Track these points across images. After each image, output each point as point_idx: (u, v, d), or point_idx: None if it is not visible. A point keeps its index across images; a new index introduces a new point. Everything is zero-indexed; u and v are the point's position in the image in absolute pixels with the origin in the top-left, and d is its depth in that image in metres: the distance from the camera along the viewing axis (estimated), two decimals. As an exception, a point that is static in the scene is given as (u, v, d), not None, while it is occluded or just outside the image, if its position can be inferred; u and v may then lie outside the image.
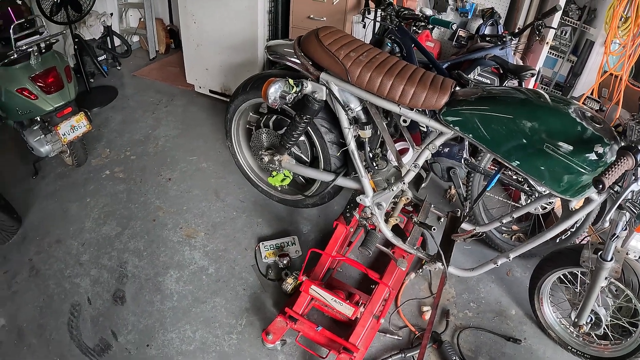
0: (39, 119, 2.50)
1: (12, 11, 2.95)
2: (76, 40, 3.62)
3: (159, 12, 4.60)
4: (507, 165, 1.48)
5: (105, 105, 3.46)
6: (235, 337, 1.93)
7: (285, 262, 2.19)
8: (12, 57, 2.31)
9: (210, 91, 3.58)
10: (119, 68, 4.12)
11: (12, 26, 2.26)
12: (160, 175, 2.75)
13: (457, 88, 1.61)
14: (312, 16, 2.82)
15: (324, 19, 2.84)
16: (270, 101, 1.70)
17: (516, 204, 2.39)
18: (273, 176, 2.25)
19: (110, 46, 4.17)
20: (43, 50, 2.40)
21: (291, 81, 1.70)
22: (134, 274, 2.17)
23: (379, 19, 2.56)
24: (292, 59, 1.97)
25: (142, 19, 4.71)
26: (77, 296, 2.08)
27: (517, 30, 2.66)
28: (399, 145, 1.92)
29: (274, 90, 1.67)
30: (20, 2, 3.12)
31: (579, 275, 1.74)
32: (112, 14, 4.43)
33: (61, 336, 1.94)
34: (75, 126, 2.50)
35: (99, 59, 3.92)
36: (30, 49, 2.31)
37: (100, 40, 4.11)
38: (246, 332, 1.94)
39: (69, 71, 2.52)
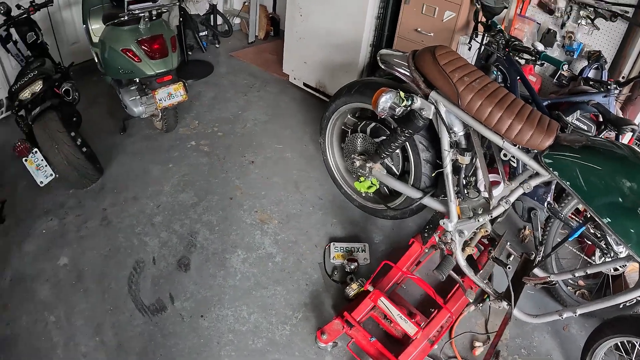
0: (137, 80, 3.02)
1: None
2: (181, 13, 4.27)
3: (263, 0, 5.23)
4: (596, 219, 1.59)
5: (199, 79, 4.00)
6: (289, 328, 2.12)
7: (352, 267, 2.40)
8: (122, 19, 2.82)
9: (304, 84, 3.97)
10: (217, 46, 4.75)
11: None
12: (244, 156, 3.12)
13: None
14: (419, 29, 3.08)
15: (432, 34, 3.06)
16: (379, 110, 1.95)
17: (589, 259, 2.48)
18: (360, 181, 2.49)
19: (212, 24, 4.85)
20: (153, 18, 2.90)
21: (402, 94, 1.92)
22: (202, 245, 2.48)
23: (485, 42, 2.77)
24: (401, 71, 2.21)
25: (246, 3, 5.37)
26: (143, 254, 2.43)
27: (622, 79, 2.76)
28: (490, 177, 2.08)
29: (385, 100, 1.91)
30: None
31: (637, 346, 1.78)
32: (219, -6, 5.15)
33: (119, 288, 2.27)
34: (172, 94, 2.97)
35: (200, 34, 4.56)
36: (142, 14, 2.79)
37: (204, 17, 4.78)
38: (300, 326, 2.13)
39: (174, 41, 3.01)
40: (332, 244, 2.52)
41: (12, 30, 3.34)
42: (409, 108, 1.98)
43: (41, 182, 2.63)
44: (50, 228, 2.68)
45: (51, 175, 2.64)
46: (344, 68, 3.50)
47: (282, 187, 2.90)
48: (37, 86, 2.63)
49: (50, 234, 2.64)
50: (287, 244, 2.54)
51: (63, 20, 4.19)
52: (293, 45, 3.88)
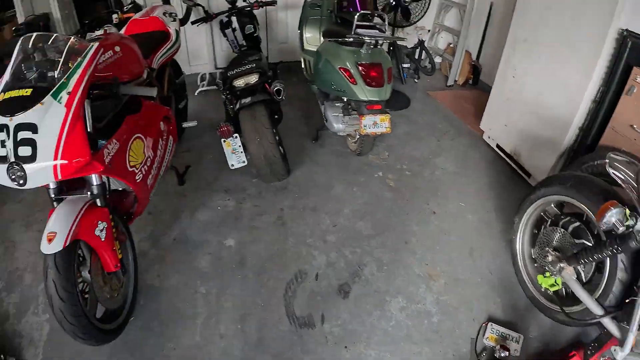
0: (344, 99, 3.41)
1: (358, 1, 4.10)
2: (390, 42, 4.69)
3: (469, 45, 5.40)
4: None
5: (396, 110, 4.34)
6: (422, 390, 2.16)
7: (503, 355, 2.37)
8: (348, 39, 3.21)
9: (498, 146, 4.01)
10: (416, 81, 5.08)
11: (357, 15, 3.14)
12: (427, 204, 3.29)
13: None
14: (635, 127, 2.95)
15: (649, 137, 2.93)
16: (602, 222, 2.00)
17: None
18: (545, 276, 2.51)
19: (417, 58, 5.21)
20: (377, 46, 3.20)
21: (628, 212, 1.94)
22: (367, 279, 2.65)
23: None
24: (623, 179, 2.23)
25: (451, 45, 5.63)
26: (308, 266, 2.68)
27: None
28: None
29: (611, 215, 1.94)
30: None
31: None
32: (429, 31, 5.50)
33: (276, 288, 2.54)
34: (377, 123, 3.24)
35: (403, 65, 4.92)
36: (368, 41, 3.12)
37: (410, 50, 5.16)
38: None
39: (390, 73, 3.29)
40: (490, 323, 2.53)
41: (234, 19, 4.04)
42: (630, 229, 2.01)
43: (232, 165, 3.09)
44: (225, 207, 3.13)
45: (243, 162, 3.09)
46: (545, 144, 3.49)
47: (457, 247, 2.99)
48: (253, 79, 3.12)
49: (224, 212, 3.09)
50: (447, 307, 2.61)
51: (278, 19, 4.90)
52: (497, 104, 3.97)
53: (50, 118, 1.85)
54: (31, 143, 1.83)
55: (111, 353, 2.31)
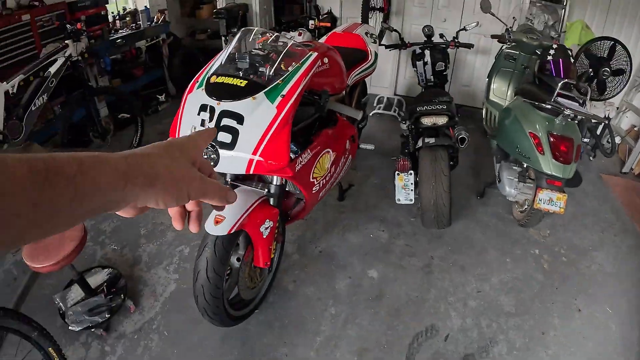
0: (525, 166, 3.24)
1: (562, 65, 3.85)
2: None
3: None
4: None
5: (566, 186, 4.06)
6: None
7: None
8: (545, 105, 3.04)
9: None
10: (591, 159, 4.67)
11: (560, 82, 2.93)
12: (575, 298, 3.01)
13: None
14: None
15: None
16: None
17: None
18: None
19: (598, 134, 4.82)
20: (575, 120, 3.00)
21: None
22: (494, 357, 2.51)
23: None
24: None
25: (635, 128, 5.13)
26: (441, 323, 2.59)
27: None
28: None
29: None
30: (572, 59, 4.05)
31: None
32: (617, 108, 5.06)
33: (403, 336, 2.49)
34: (553, 201, 3.02)
35: (583, 140, 4.59)
36: (567, 113, 2.88)
37: (594, 125, 4.79)
38: None
39: (579, 152, 3.05)
40: None
41: (427, 53, 4.01)
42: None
43: (398, 200, 3.08)
44: (378, 237, 3.15)
45: (410, 200, 3.07)
46: None
47: (594, 355, 2.73)
48: (441, 120, 3.08)
49: (375, 242, 3.11)
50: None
51: (466, 61, 4.80)
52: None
53: (260, 115, 1.91)
54: (233, 132, 1.89)
55: (225, 335, 2.43)
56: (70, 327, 2.39)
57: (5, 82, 3.17)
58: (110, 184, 0.48)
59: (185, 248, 3.10)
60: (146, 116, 4.99)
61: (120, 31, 4.67)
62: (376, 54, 3.55)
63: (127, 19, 4.83)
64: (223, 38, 4.87)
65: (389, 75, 5.10)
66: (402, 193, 3.09)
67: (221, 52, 2.28)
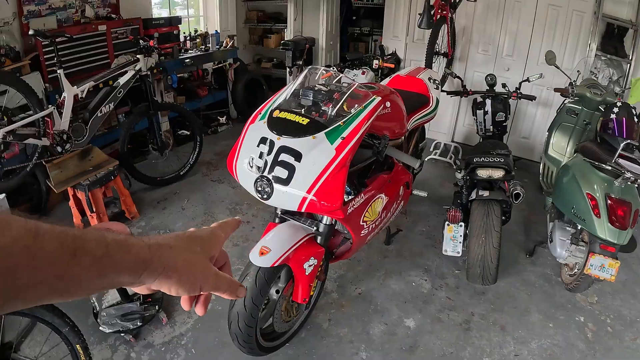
0: (579, 228, 2.92)
1: (625, 124, 3.50)
2: None
3: None
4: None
5: (619, 251, 3.68)
6: None
7: None
8: (606, 166, 2.74)
9: None
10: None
11: (623, 143, 2.67)
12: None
13: None
14: None
15: None
16: None
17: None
18: None
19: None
20: (636, 184, 2.66)
21: None
22: None
23: None
24: None
25: None
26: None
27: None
28: None
29: None
30: (635, 119, 3.70)
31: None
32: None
33: None
34: (604, 267, 2.67)
35: None
36: (629, 175, 2.54)
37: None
38: None
39: (637, 217, 2.72)
40: None
41: (488, 102, 3.78)
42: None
43: (445, 251, 2.85)
44: (420, 285, 2.92)
45: (457, 253, 2.83)
46: None
47: None
48: (498, 174, 2.83)
49: (416, 290, 2.88)
50: None
51: (526, 113, 4.52)
52: None
53: (318, 154, 1.82)
54: (289, 168, 1.82)
55: (249, 361, 2.27)
56: (100, 328, 2.36)
57: (76, 87, 3.21)
58: (130, 270, 0.50)
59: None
60: (205, 136, 4.98)
61: (189, 51, 4.73)
62: (437, 101, 3.37)
63: (198, 40, 4.90)
64: (288, 69, 4.83)
65: (448, 122, 4.87)
66: (450, 244, 2.86)
67: (286, 87, 2.22)
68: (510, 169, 2.87)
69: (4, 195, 3.02)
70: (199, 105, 4.90)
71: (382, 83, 3.42)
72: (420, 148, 3.60)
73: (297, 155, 1.82)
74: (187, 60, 4.42)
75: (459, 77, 4.00)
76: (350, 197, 2.09)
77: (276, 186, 1.83)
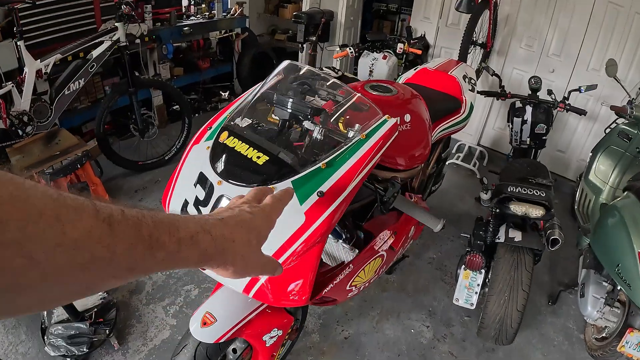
0: (612, 290, 2.29)
1: None
2: None
3: None
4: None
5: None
6: None
7: None
8: None
9: None
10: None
11: None
12: None
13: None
14: None
15: None
16: None
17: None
18: None
19: None
20: None
21: None
22: None
23: None
24: None
25: None
26: None
27: None
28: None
29: None
30: None
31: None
32: None
33: None
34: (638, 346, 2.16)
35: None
36: None
37: None
38: None
39: None
40: None
41: (529, 110, 3.07)
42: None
43: (456, 300, 2.26)
44: (420, 333, 2.39)
45: (471, 305, 2.24)
46: None
47: None
48: (536, 212, 2.19)
49: (414, 339, 2.34)
50: None
51: (566, 124, 3.79)
52: None
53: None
54: None
55: None
56: (45, 348, 2.03)
57: (39, 60, 2.63)
58: (194, 264, 0.51)
59: (194, 289, 2.50)
60: (204, 112, 4.37)
61: (191, 17, 4.04)
62: (472, 106, 2.64)
63: (203, 6, 4.18)
64: (300, 45, 4.12)
65: (476, 122, 4.08)
66: (462, 292, 2.26)
67: (255, 88, 1.50)
68: (551, 206, 2.21)
69: None
70: (199, 79, 4.25)
71: (404, 76, 2.73)
72: (443, 157, 2.88)
73: None
74: (186, 28, 3.74)
75: (497, 75, 3.28)
76: (328, 267, 1.45)
77: None
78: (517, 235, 2.18)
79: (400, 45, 3.41)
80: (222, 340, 1.35)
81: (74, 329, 2.06)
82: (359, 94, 1.41)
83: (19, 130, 2.66)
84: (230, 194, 1.18)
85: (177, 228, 0.47)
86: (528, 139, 3.19)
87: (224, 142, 1.29)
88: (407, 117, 1.72)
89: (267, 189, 0.69)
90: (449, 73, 2.67)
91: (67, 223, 0.36)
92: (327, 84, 1.44)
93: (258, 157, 1.21)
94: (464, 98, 2.58)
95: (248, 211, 0.60)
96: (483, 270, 2.21)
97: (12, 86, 2.59)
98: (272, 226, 0.64)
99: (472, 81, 2.80)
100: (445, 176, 3.72)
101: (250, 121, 1.38)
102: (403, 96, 1.86)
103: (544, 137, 3.16)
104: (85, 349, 2.03)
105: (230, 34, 4.32)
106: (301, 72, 1.46)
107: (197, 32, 3.96)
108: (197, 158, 1.32)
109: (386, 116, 1.33)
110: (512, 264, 2.12)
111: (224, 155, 1.27)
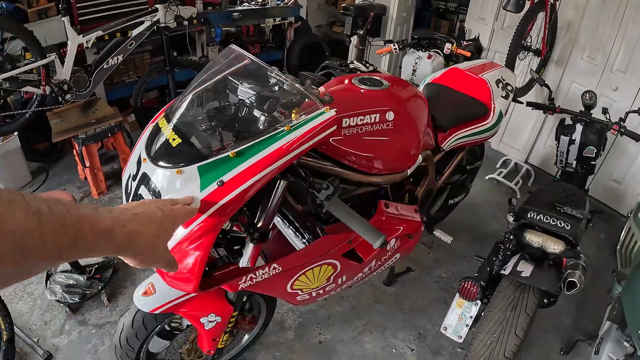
0: (632, 354, 1.85)
1: None
2: None
3: None
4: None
5: None
6: None
7: None
8: None
9: None
10: None
11: None
12: None
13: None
14: None
15: None
16: None
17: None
18: None
19: None
20: None
21: None
22: None
23: None
24: None
25: None
26: None
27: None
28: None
29: None
30: None
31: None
32: None
33: None
34: None
35: None
36: None
37: None
38: None
39: None
40: None
41: (579, 128, 2.60)
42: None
43: (444, 329, 1.94)
44: (398, 355, 2.14)
45: (459, 337, 1.91)
46: None
47: None
48: (555, 246, 1.85)
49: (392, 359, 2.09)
50: None
51: (625, 149, 3.15)
52: None
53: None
54: None
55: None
56: (45, 291, 2.19)
57: (81, 35, 2.72)
58: (107, 253, 0.57)
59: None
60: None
61: (244, 4, 3.95)
62: (501, 114, 2.30)
63: (260, -9, 4.07)
64: (347, 39, 3.88)
65: (526, 136, 3.59)
66: (453, 322, 1.95)
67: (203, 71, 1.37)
68: (576, 242, 1.86)
69: (16, 134, 2.87)
70: (247, 64, 4.14)
71: (432, 75, 2.45)
72: (468, 169, 2.54)
73: (157, 194, 1.11)
74: (235, 13, 3.65)
75: (547, 86, 2.85)
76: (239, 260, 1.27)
77: None
78: (526, 270, 1.85)
79: (448, 45, 3.06)
80: (157, 312, 1.36)
81: (72, 280, 2.20)
82: (295, 84, 1.22)
83: (59, 97, 2.79)
84: (149, 171, 1.14)
85: (97, 222, 0.52)
86: (574, 162, 2.74)
87: (158, 122, 1.26)
88: (390, 115, 1.49)
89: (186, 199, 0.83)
90: (479, 76, 2.34)
91: (3, 214, 0.41)
92: (267, 72, 1.27)
93: (173, 140, 1.15)
94: (493, 105, 2.26)
95: (160, 209, 0.67)
96: (479, 302, 1.90)
97: (55, 57, 2.70)
98: (177, 227, 0.71)
99: (509, 87, 2.44)
100: (483, 191, 3.36)
101: (186, 104, 1.29)
102: (393, 93, 1.63)
103: (593, 162, 2.69)
104: (76, 299, 2.15)
105: (283, 22, 4.18)
106: (241, 58, 1.30)
107: (247, 18, 3.87)
108: (143, 136, 1.29)
109: (325, 108, 1.15)
110: (512, 302, 1.80)
111: (155, 136, 1.23)
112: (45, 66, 2.65)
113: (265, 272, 1.28)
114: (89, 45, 2.76)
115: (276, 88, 1.25)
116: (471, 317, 1.91)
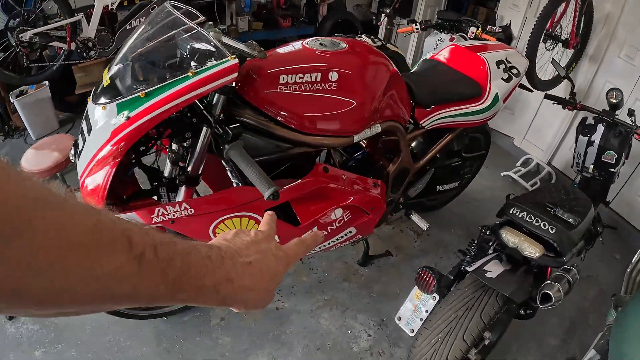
0: None
1: None
2: None
3: None
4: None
5: None
6: None
7: None
8: None
9: None
10: None
11: None
12: None
13: None
14: None
15: None
16: None
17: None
18: None
19: None
20: None
21: None
22: None
23: None
24: None
25: None
26: None
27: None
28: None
29: None
30: None
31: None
32: None
33: None
34: None
35: None
36: None
37: None
38: None
39: None
40: None
41: (600, 128, 2.32)
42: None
43: (398, 319, 1.82)
44: (352, 337, 2.06)
45: (411, 331, 1.78)
46: None
47: None
48: (532, 250, 1.68)
49: (344, 341, 2.02)
50: None
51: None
52: None
53: (100, 133, 1.27)
54: (84, 140, 1.36)
55: None
56: None
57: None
58: (213, 305, 0.50)
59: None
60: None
61: (278, -24, 3.88)
62: (497, 97, 2.10)
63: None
64: (373, 18, 3.70)
65: (551, 136, 3.23)
66: (407, 313, 1.83)
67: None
68: (562, 250, 1.67)
69: (46, 82, 3.05)
70: (278, 36, 4.09)
71: (434, 51, 2.30)
72: (465, 155, 2.35)
73: (89, 127, 1.33)
74: (264, -15, 3.61)
75: (569, 78, 2.57)
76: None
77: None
78: (493, 271, 1.68)
79: (472, 29, 2.83)
80: None
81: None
82: (198, 29, 1.28)
83: (84, 53, 2.95)
84: (89, 109, 1.34)
85: (203, 275, 0.44)
86: (591, 166, 2.44)
87: (104, 71, 1.42)
88: (333, 76, 1.45)
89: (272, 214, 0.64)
90: (478, 54, 2.15)
91: (98, 257, 0.34)
92: (191, 27, 1.32)
93: (106, 82, 1.34)
94: (488, 85, 2.08)
95: (274, 255, 0.55)
96: (437, 297, 1.77)
97: (82, 16, 2.86)
98: (292, 264, 0.60)
99: (514, 71, 2.23)
100: (493, 187, 3.11)
101: (120, 55, 1.40)
102: (343, 55, 1.56)
103: (613, 169, 2.38)
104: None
105: (317, -4, 4.08)
106: (170, 15, 1.36)
107: (274, -10, 3.81)
108: None
109: (230, 57, 1.22)
110: (467, 302, 1.64)
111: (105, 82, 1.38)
112: (72, 24, 2.84)
113: (177, 211, 1.34)
114: (114, 8, 2.88)
115: (196, 41, 1.32)
116: (427, 311, 1.78)
